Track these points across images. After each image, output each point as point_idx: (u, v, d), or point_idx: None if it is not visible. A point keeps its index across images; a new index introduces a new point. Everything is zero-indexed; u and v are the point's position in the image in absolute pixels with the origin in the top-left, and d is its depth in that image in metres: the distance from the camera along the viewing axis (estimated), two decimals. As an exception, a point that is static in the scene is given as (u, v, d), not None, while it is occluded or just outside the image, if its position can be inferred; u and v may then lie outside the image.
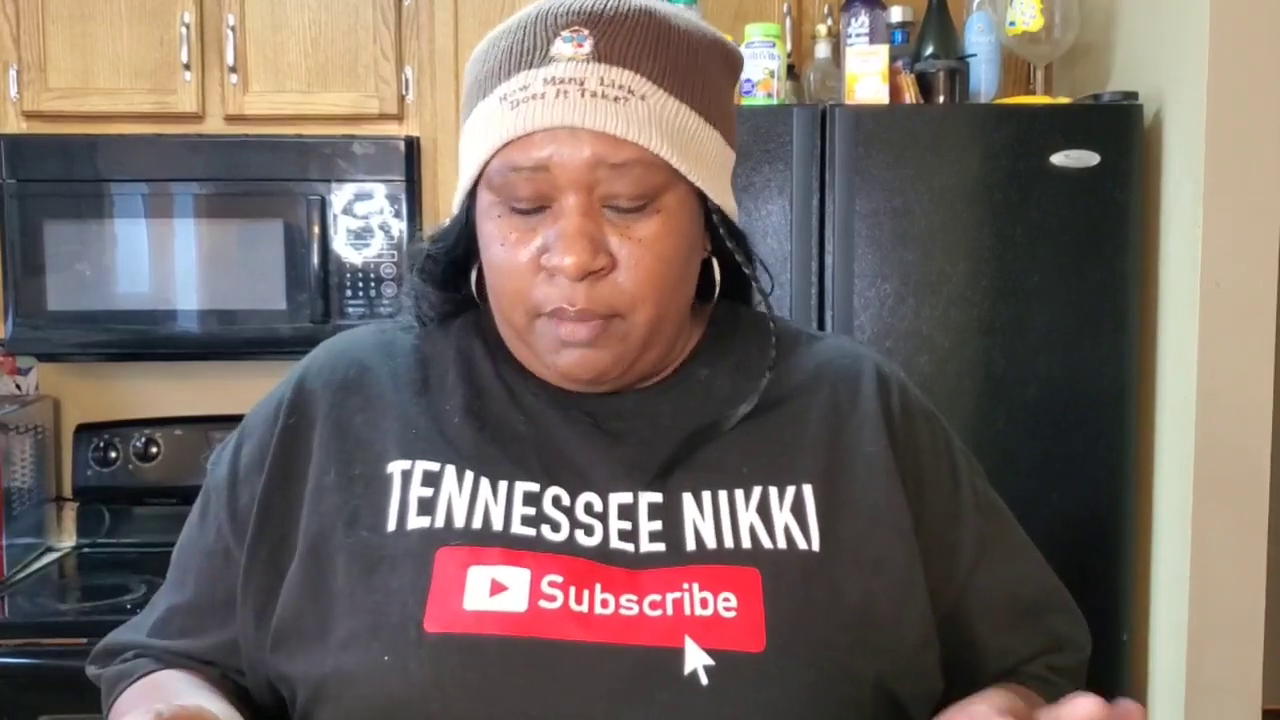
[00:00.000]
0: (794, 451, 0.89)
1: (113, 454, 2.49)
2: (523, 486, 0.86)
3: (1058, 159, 1.98)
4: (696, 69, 0.86)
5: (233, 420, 2.58)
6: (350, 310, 2.28)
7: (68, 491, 2.55)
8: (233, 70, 2.28)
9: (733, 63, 0.91)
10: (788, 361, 0.94)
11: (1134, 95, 2.05)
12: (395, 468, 0.87)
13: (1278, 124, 1.93)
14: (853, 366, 0.95)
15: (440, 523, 0.84)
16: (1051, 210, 1.99)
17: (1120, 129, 2.00)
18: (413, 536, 0.84)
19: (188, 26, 2.27)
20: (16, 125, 2.29)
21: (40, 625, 2.08)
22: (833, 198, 1.98)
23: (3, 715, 2.03)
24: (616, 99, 0.81)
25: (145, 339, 2.30)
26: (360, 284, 2.29)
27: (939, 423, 0.97)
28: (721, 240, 0.90)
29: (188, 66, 2.27)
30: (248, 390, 2.56)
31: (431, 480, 0.86)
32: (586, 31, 0.83)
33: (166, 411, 2.55)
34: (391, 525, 0.85)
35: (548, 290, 0.83)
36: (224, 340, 2.31)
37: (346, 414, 0.90)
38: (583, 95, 0.81)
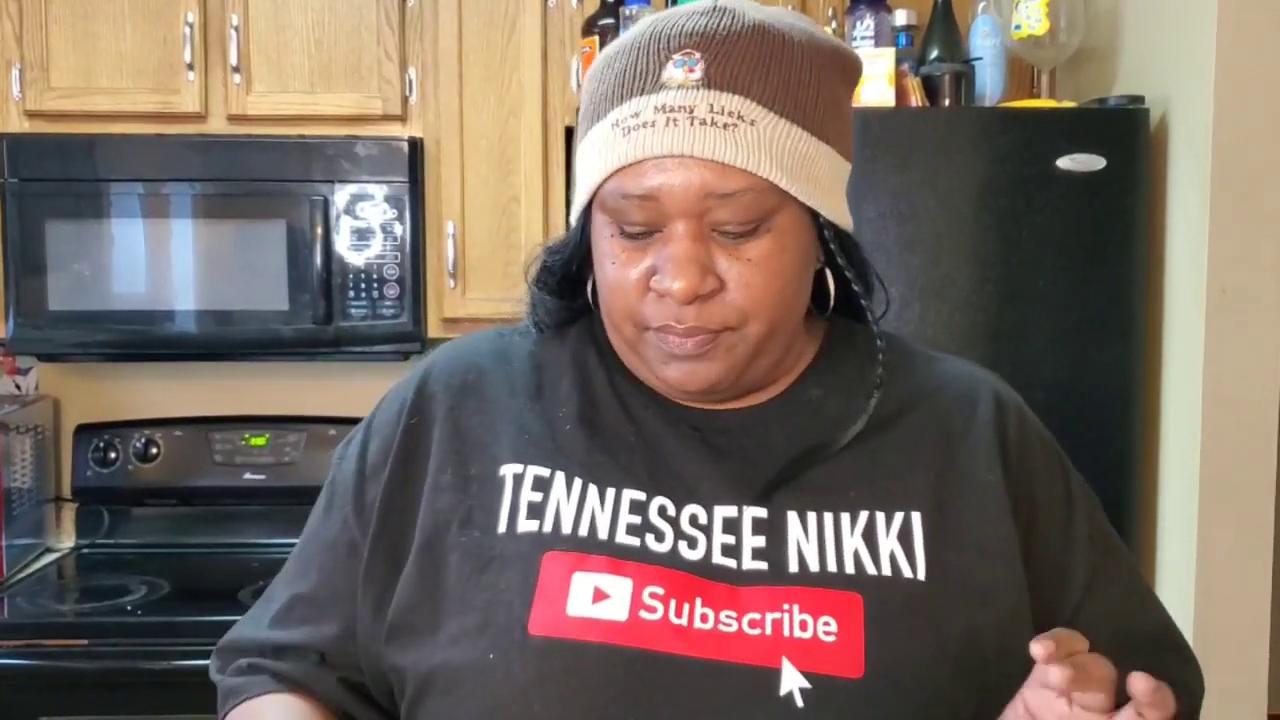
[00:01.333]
0: (904, 476, 0.89)
1: (112, 454, 2.49)
2: (630, 495, 0.87)
3: (1064, 163, 1.98)
4: (810, 85, 0.85)
5: (235, 421, 2.59)
6: (352, 311, 2.28)
7: (67, 492, 2.54)
8: (236, 70, 2.28)
9: (850, 71, 0.90)
10: (904, 382, 0.93)
11: (1140, 99, 2.05)
12: (508, 471, 0.89)
13: (1284, 128, 1.93)
14: (970, 390, 0.94)
15: (549, 528, 0.86)
16: (1057, 214, 1.99)
17: (1126, 133, 2.00)
18: (522, 540, 0.86)
19: (191, 26, 2.26)
20: (19, 124, 2.28)
21: (40, 626, 2.07)
22: (838, 201, 1.98)
23: (2, 716, 2.02)
24: (726, 126, 0.81)
25: (146, 339, 2.29)
26: (363, 285, 2.28)
27: (1055, 451, 0.95)
28: (834, 254, 0.89)
29: (191, 66, 2.27)
30: (249, 391, 2.59)
31: (542, 485, 0.88)
32: (698, 55, 0.83)
33: (167, 412, 2.54)
34: (502, 527, 0.87)
35: (656, 309, 0.85)
36: (225, 341, 2.30)
37: (464, 415, 0.92)
38: (692, 124, 0.81)
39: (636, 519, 0.86)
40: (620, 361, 0.93)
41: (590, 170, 0.86)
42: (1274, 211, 1.93)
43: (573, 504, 0.87)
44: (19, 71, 2.27)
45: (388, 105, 2.30)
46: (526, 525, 0.86)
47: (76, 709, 2.03)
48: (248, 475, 2.48)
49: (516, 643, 0.82)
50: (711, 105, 0.81)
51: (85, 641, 2.04)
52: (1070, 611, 0.91)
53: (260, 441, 2.49)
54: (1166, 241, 2.06)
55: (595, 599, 0.82)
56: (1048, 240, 1.99)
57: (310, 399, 2.52)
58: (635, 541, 0.85)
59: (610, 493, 0.87)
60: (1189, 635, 2.02)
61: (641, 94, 0.83)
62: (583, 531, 0.86)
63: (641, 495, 0.87)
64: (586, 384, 0.93)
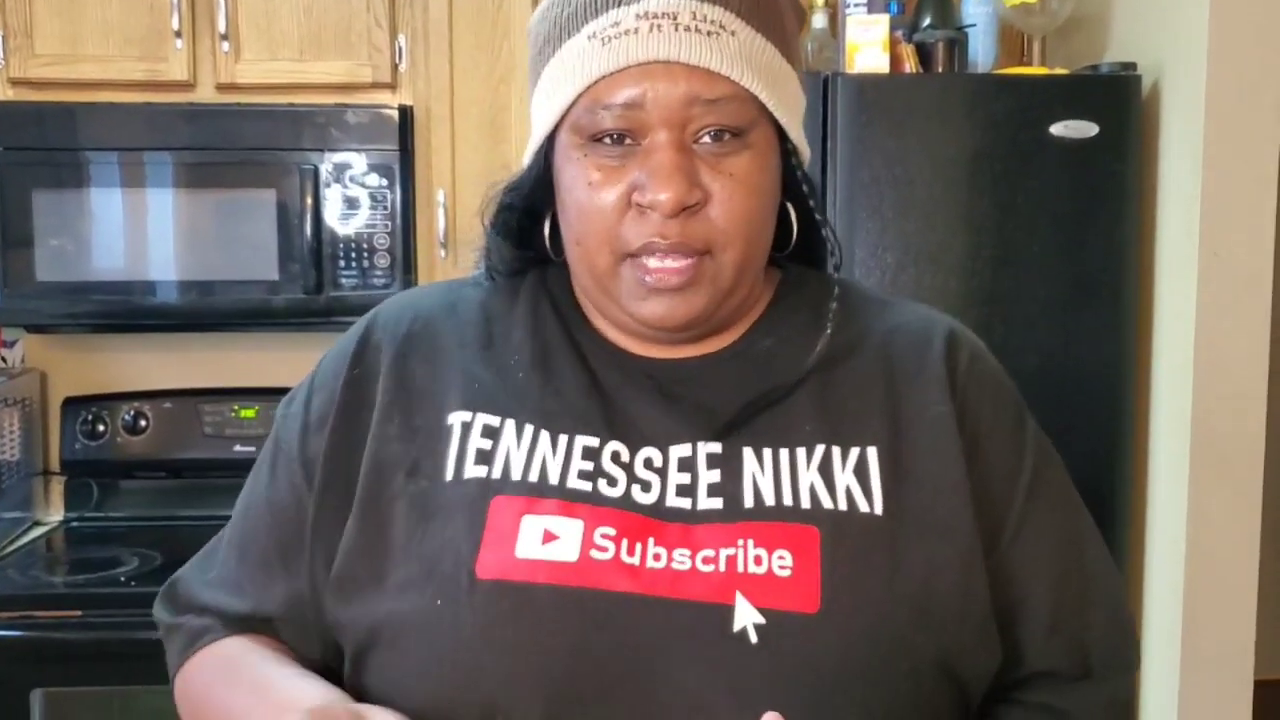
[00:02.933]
0: (859, 413, 0.87)
1: (101, 427, 2.47)
2: (583, 441, 0.86)
3: (1057, 129, 1.99)
4: (776, 11, 0.86)
5: (224, 393, 2.58)
6: (343, 281, 2.26)
7: (55, 465, 2.52)
8: (224, 38, 2.25)
9: (799, 11, 0.91)
10: (858, 324, 0.92)
11: (1132, 66, 2.05)
12: (456, 419, 0.87)
13: (1277, 95, 1.94)
14: (925, 329, 0.92)
15: (497, 473, 0.85)
16: (1050, 180, 1.99)
17: (1119, 100, 2.01)
18: (469, 485, 0.85)
19: (178, -7, 2.23)
20: (3, 93, 2.25)
21: (33, 598, 2.06)
22: (834, 167, 1.98)
23: (-5, 688, 2.01)
24: (710, 33, 0.81)
25: (135, 310, 2.27)
26: (353, 254, 2.27)
27: (1012, 397, 0.93)
28: (795, 189, 0.89)
29: (179, 34, 2.24)
30: (239, 362, 2.57)
31: (491, 433, 0.87)
32: None
33: (156, 384, 2.52)
34: (449, 475, 0.85)
35: (638, 228, 0.82)
36: (215, 311, 2.29)
37: (410, 365, 0.90)
38: (676, 29, 0.81)
39: (589, 465, 0.85)
40: (576, 311, 0.92)
41: (562, 88, 0.84)
42: (1265, 177, 1.95)
43: (523, 450, 0.85)
44: (2, 39, 2.23)
45: (378, 73, 2.28)
46: (474, 471, 0.85)
47: (71, 680, 2.02)
48: (238, 447, 2.47)
49: (464, 588, 0.80)
50: (694, 13, 0.81)
51: (79, 612, 2.02)
52: (994, 562, 0.87)
53: (250, 413, 2.48)
54: (1158, 207, 2.07)
55: (545, 540, 0.81)
56: (1040, 206, 2.00)
57: (300, 370, 2.44)
58: (587, 486, 0.84)
59: (563, 439, 0.86)
60: (1179, 599, 2.04)
61: (620, 5, 0.82)
62: (533, 477, 0.84)
63: (595, 441, 0.86)
64: (540, 333, 0.91)
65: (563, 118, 0.84)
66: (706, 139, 0.82)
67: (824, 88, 1.98)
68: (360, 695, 0.85)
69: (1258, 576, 2.04)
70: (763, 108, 0.83)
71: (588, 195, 0.83)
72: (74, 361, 2.56)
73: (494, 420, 0.87)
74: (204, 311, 2.28)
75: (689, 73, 0.81)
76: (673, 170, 0.80)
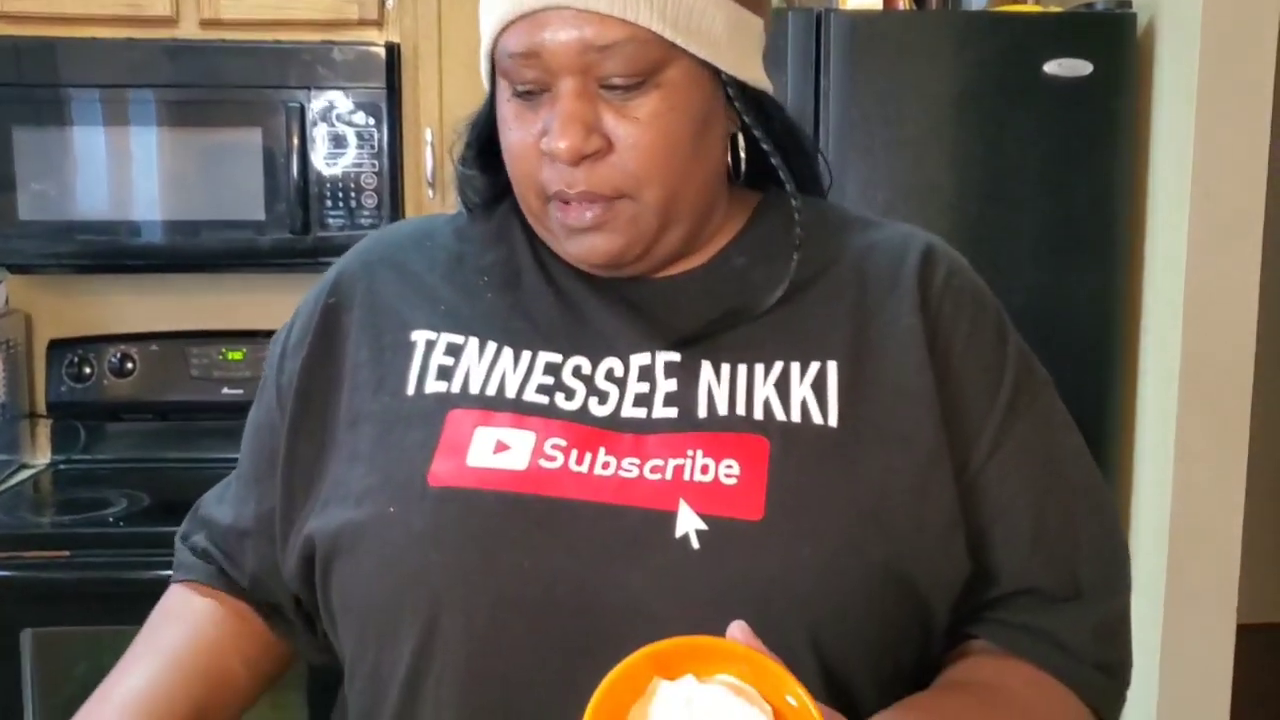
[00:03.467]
0: (824, 330, 0.86)
1: (87, 370, 2.45)
2: (545, 357, 0.87)
3: (1050, 68, 1.97)
4: None
5: (211, 335, 2.55)
6: (330, 221, 2.24)
7: (41, 408, 2.50)
8: (206, -28, 2.21)
9: None
10: (833, 244, 0.91)
11: (1127, 4, 2.04)
12: (420, 336, 0.89)
13: (1271, 34, 1.93)
14: (903, 245, 0.90)
15: (456, 387, 0.86)
16: (1043, 119, 1.98)
17: (1113, 38, 1.99)
18: (428, 399, 0.86)
19: (159, -74, 2.19)
20: (-19, 28, 2.21)
21: (21, 538, 2.06)
22: (826, 105, 1.96)
23: (-15, 628, 2.01)
24: None
25: (120, 250, 2.25)
26: (340, 194, 2.25)
27: (994, 312, 0.90)
28: (741, 113, 0.87)
29: (160, -33, 2.20)
30: (225, 304, 2.55)
31: (454, 350, 0.88)
32: None
33: (142, 327, 2.51)
34: (411, 389, 0.87)
35: (550, 174, 0.83)
36: (201, 252, 2.27)
37: (381, 289, 0.92)
38: None
39: (549, 379, 0.86)
40: None
41: (484, 33, 0.85)
42: (1258, 116, 1.94)
43: (484, 366, 0.87)
44: (-20, -27, 2.20)
45: (364, 10, 2.25)
46: (435, 386, 0.87)
47: (59, 620, 2.03)
48: (226, 390, 2.46)
49: (416, 494, 0.82)
50: None
51: (67, 553, 2.02)
52: (970, 478, 0.85)
53: (237, 356, 2.47)
54: (1151, 146, 2.06)
55: (496, 450, 0.83)
56: (1032, 145, 1.99)
57: (288, 312, 2.46)
58: (544, 399, 0.85)
59: (525, 355, 0.87)
60: (1165, 536, 2.06)
61: None
62: (490, 390, 0.86)
63: (557, 357, 0.87)
64: (510, 255, 0.92)
65: (494, 60, 0.85)
66: (615, 81, 0.80)
67: (816, 24, 1.96)
68: (327, 604, 0.89)
69: (1243, 519, 2.06)
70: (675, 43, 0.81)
71: (510, 137, 0.85)
72: (59, 303, 2.53)
73: (458, 339, 0.88)
74: (189, 252, 2.26)
75: (579, 18, 0.79)
76: (568, 120, 0.80)
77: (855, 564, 0.80)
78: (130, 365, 2.46)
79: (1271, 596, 3.64)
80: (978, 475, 0.86)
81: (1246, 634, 2.12)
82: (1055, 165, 1.99)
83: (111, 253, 2.26)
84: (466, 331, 0.89)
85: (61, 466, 2.48)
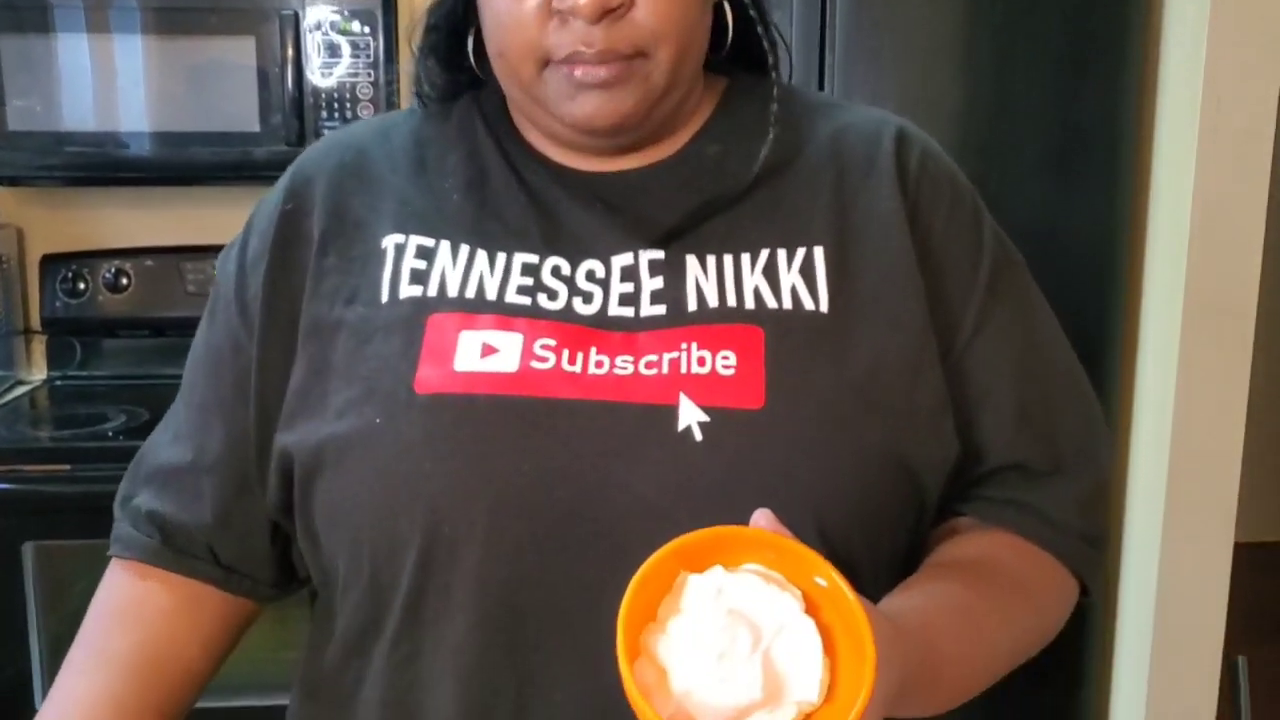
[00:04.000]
0: (806, 214, 0.86)
1: (81, 285, 2.42)
2: (521, 258, 0.85)
3: (1061, -26, 1.93)
4: None
5: (206, 250, 2.52)
6: (326, 132, 2.19)
7: (36, 324, 2.48)
8: (195, -125, 2.15)
9: None
10: (805, 126, 0.90)
11: (1140, -92, 1.99)
12: (389, 242, 0.86)
13: (1287, -62, 1.88)
14: (875, 128, 0.90)
15: (433, 292, 0.84)
16: (1051, 26, 1.94)
17: (1125, -57, 1.94)
18: (404, 305, 0.84)
19: None
20: (-36, -68, 2.16)
21: (20, 452, 2.05)
22: (833, 13, 1.92)
23: (-15, 541, 2.01)
24: None
25: (111, 163, 2.22)
26: (336, 105, 2.21)
27: (967, 194, 0.91)
28: None
29: None
30: (221, 218, 2.49)
31: (426, 254, 0.86)
32: None
33: (137, 242, 2.47)
34: (385, 297, 0.85)
35: (561, 36, 0.80)
36: (194, 165, 2.23)
37: (344, 197, 0.89)
38: None
39: (528, 280, 0.84)
40: (511, 129, 0.91)
41: None
42: (1275, 24, 1.90)
43: (459, 269, 0.85)
44: (-39, -126, 2.13)
45: (357, -86, 2.19)
46: (410, 291, 0.84)
47: (60, 533, 2.03)
48: (222, 306, 2.44)
49: (403, 403, 0.80)
50: None
51: (68, 467, 2.02)
52: (954, 360, 0.87)
53: (233, 272, 2.44)
54: (1161, 52, 2.02)
55: (484, 354, 0.81)
56: (1041, 52, 1.95)
57: (283, 228, 2.45)
58: (526, 300, 0.83)
59: (501, 257, 0.85)
60: (1163, 463, 2.05)
61: None
62: (469, 294, 0.84)
63: (534, 258, 0.85)
64: (474, 154, 0.90)
65: None
66: None
67: (823, -73, 1.91)
68: (308, 521, 0.86)
69: (1243, 439, 2.06)
70: None
71: (506, 6, 0.81)
72: (51, 218, 2.50)
73: (428, 242, 0.86)
74: (182, 165, 2.23)
75: None
76: None
77: (855, 447, 0.81)
78: (125, 281, 2.43)
79: (1270, 515, 3.66)
80: (961, 357, 0.87)
81: (1245, 552, 2.12)
82: (1063, 73, 1.96)
83: (102, 165, 2.22)
84: (436, 234, 0.86)
85: (58, 383, 2.47)
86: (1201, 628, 2.07)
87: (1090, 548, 0.91)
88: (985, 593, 0.84)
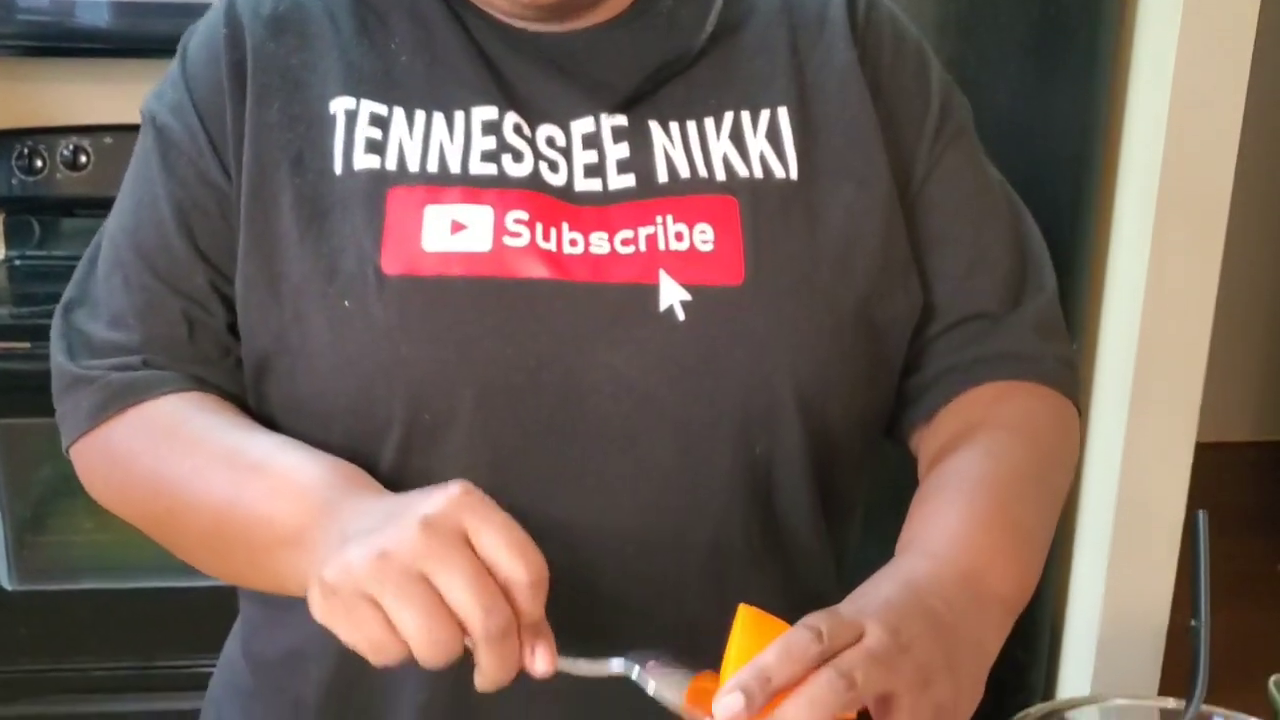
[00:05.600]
0: (765, 75, 0.85)
1: (39, 162, 2.36)
2: (480, 114, 0.82)
3: None
4: None
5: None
6: (290, 6, 2.14)
7: (-8, 202, 2.43)
8: None
9: None
10: None
11: None
12: (338, 105, 0.82)
13: None
14: None
15: (392, 164, 0.81)
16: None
17: None
18: (361, 177, 0.80)
19: None
20: None
21: (-23, 328, 2.02)
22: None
23: (-57, 418, 1.99)
24: None
25: (69, 32, 2.16)
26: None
27: (912, 39, 0.91)
28: None
29: None
30: (181, 95, 2.44)
31: (380, 122, 0.82)
32: None
33: (96, 118, 2.40)
34: (338, 168, 0.81)
35: None
36: (154, 36, 2.16)
37: (281, 50, 0.84)
38: None
39: (490, 141, 0.81)
40: None
41: None
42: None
43: (417, 139, 0.81)
44: None
45: None
46: (366, 161, 0.81)
47: (22, 411, 2.00)
48: (184, 186, 2.39)
49: (372, 286, 0.77)
50: None
51: (27, 344, 1.99)
52: (909, 202, 0.87)
53: (195, 151, 2.39)
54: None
55: (453, 231, 0.78)
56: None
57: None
58: (492, 168, 0.80)
59: (459, 117, 0.82)
60: (1130, 356, 2.05)
61: None
62: (432, 166, 0.81)
63: (493, 112, 0.82)
64: (416, 13, 0.85)
65: None
66: None
67: None
68: (263, 404, 0.84)
69: (1209, 337, 2.06)
70: None
71: None
72: (5, 91, 2.43)
73: (381, 109, 0.82)
74: (142, 36, 2.17)
75: None
76: None
77: (833, 316, 0.81)
78: (84, 158, 2.37)
79: (1232, 415, 3.71)
80: (914, 203, 0.87)
81: (1206, 451, 2.14)
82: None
83: (57, 35, 2.17)
84: (389, 100, 0.82)
85: (17, 262, 2.42)
86: (1160, 522, 2.10)
87: (1066, 367, 0.91)
88: (1001, 479, 0.81)
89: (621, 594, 0.82)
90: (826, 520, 0.88)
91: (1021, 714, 0.79)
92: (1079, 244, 2.05)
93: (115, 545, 2.06)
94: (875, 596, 0.67)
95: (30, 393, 2.10)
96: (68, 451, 0.87)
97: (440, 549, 0.62)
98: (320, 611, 0.66)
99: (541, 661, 0.65)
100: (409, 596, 0.62)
